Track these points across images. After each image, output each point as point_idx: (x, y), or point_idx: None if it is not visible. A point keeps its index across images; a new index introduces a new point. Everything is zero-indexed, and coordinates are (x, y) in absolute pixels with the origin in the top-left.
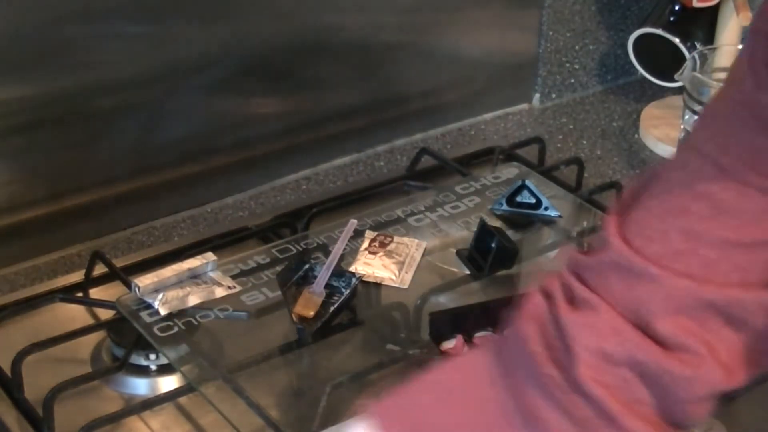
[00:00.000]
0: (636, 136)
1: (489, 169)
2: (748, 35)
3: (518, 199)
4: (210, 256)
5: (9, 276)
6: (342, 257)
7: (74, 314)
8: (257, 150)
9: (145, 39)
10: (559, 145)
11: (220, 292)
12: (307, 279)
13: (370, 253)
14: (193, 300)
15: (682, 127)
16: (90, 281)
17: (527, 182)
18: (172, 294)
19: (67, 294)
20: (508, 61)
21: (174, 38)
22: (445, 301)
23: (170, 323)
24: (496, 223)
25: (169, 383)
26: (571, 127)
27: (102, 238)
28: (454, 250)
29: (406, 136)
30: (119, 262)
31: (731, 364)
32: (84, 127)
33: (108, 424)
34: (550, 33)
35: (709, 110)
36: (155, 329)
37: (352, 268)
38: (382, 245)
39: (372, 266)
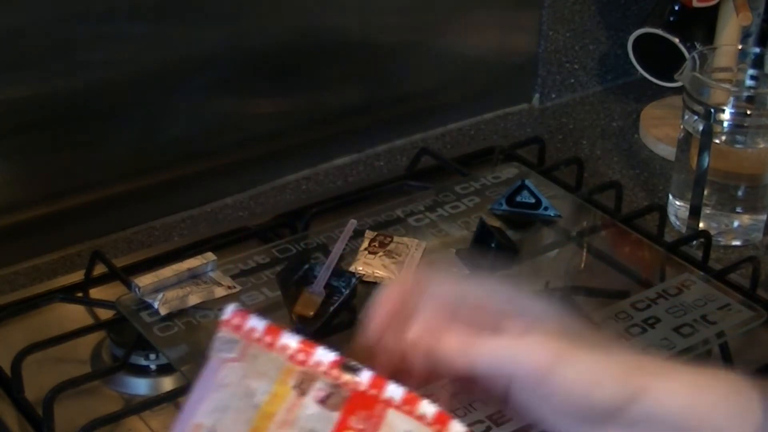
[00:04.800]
0: (636, 136)
1: (489, 169)
2: None
3: (518, 198)
4: (210, 256)
5: (9, 276)
6: (342, 257)
7: (74, 314)
8: (257, 150)
9: (145, 39)
10: (558, 145)
11: (220, 292)
12: (307, 279)
13: (369, 253)
14: (193, 300)
15: (682, 127)
16: (90, 281)
17: (527, 182)
18: (172, 294)
19: (67, 294)
20: (508, 61)
21: (174, 38)
22: None
23: (170, 323)
24: (496, 223)
25: (169, 383)
26: (571, 127)
27: (102, 238)
28: (454, 250)
29: (406, 136)
30: (119, 262)
31: None
32: (84, 127)
33: (108, 424)
34: (550, 33)
35: None
36: (155, 329)
37: (351, 268)
38: (382, 245)
39: (372, 266)
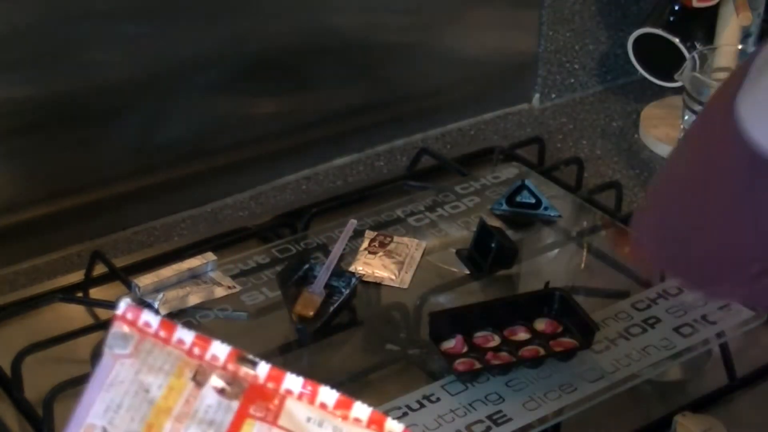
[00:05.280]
0: (636, 136)
1: (489, 169)
2: None
3: (518, 199)
4: (210, 256)
5: (9, 276)
6: (342, 257)
7: (74, 314)
8: (257, 150)
9: (145, 39)
10: (558, 145)
11: (220, 292)
12: (307, 279)
13: (369, 253)
14: (193, 300)
15: (682, 127)
16: (90, 281)
17: (527, 182)
18: (172, 294)
19: (67, 294)
20: (508, 61)
21: (174, 38)
22: (444, 301)
23: None
24: (496, 223)
25: None
26: (571, 127)
27: (102, 238)
28: (454, 250)
29: (406, 136)
30: (119, 262)
31: None
32: (84, 127)
33: None
34: (550, 33)
35: None
36: None
37: (351, 268)
38: (382, 245)
39: (372, 266)
